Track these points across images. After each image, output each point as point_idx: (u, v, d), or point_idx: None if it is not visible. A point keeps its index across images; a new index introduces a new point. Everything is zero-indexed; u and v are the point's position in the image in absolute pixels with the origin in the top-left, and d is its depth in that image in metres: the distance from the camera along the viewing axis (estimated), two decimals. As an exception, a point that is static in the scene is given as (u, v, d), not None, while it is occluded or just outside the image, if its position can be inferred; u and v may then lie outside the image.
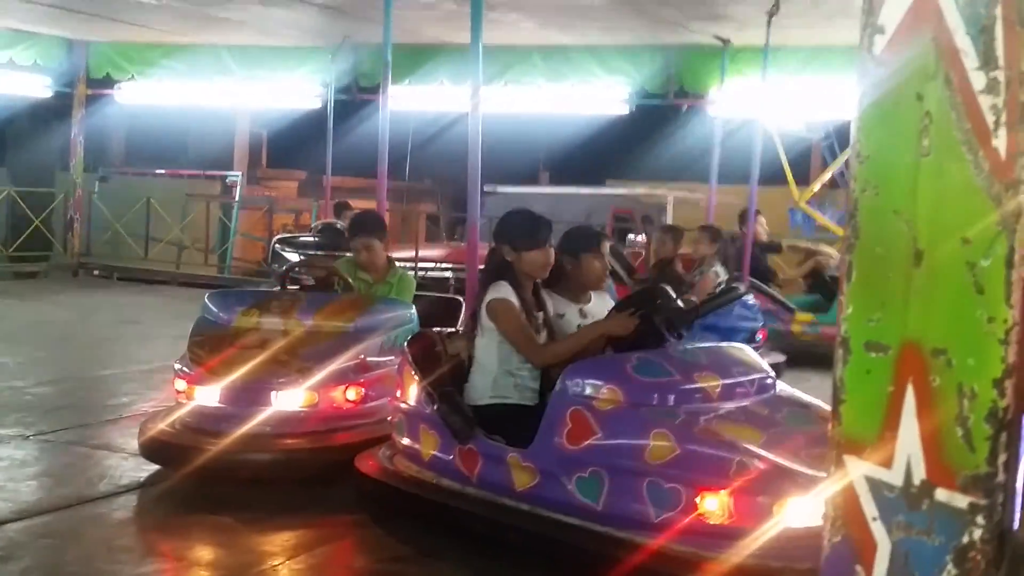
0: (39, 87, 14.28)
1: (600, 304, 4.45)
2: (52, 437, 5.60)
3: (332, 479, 4.70)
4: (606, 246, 4.46)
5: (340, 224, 10.42)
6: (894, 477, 1.40)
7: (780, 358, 7.88)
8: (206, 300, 5.57)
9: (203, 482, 4.75)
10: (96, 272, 15.11)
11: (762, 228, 10.38)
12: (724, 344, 4.54)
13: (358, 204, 12.34)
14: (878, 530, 1.43)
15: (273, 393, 4.82)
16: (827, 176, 14.69)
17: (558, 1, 9.92)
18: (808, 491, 3.36)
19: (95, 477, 4.93)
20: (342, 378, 4.94)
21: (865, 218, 1.43)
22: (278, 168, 22.73)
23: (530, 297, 4.29)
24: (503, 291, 4.20)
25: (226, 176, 18.07)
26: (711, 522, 3.47)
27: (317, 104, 13.49)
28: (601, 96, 12.59)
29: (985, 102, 1.30)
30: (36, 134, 18.05)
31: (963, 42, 1.32)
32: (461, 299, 6.23)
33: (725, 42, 10.75)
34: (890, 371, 1.40)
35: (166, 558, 3.96)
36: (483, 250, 5.04)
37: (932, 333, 1.36)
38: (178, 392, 5.04)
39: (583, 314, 4.43)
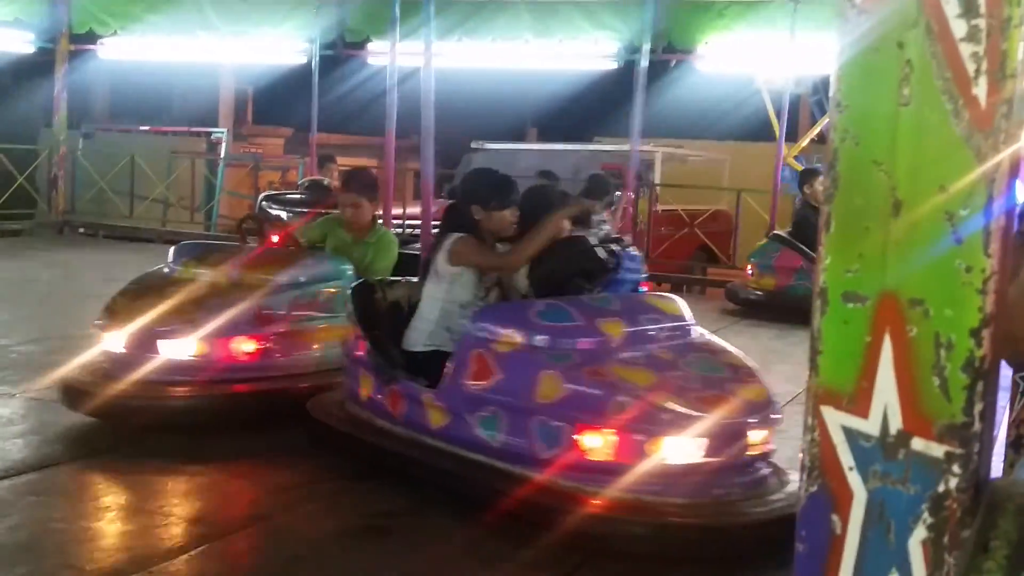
0: (21, 43, 14.11)
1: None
2: (38, 395, 5.59)
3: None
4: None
5: (326, 181, 10.36)
6: (870, 427, 1.41)
7: None
8: (172, 250, 5.72)
9: (185, 435, 4.85)
10: (81, 230, 15.02)
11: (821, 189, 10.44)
12: (653, 293, 4.63)
13: (344, 161, 12.28)
14: (854, 480, 1.43)
15: (161, 342, 4.92)
16: (815, 131, 14.66)
17: (545, -46, 9.83)
18: (685, 431, 3.59)
19: (80, 436, 4.94)
20: (236, 330, 5.00)
21: (845, 168, 1.42)
22: (264, 125, 22.56)
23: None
24: (464, 236, 4.40)
25: (211, 133, 17.93)
26: (592, 458, 3.66)
27: (302, 60, 13.37)
28: (589, 51, 12.51)
29: (966, 50, 1.29)
30: (19, 91, 17.87)
31: (944, -11, 1.31)
32: None
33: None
34: (867, 322, 1.40)
35: (153, 515, 3.97)
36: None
37: (910, 283, 1.36)
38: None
39: None
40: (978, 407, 1.33)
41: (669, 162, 16.36)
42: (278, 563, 3.64)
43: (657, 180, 15.16)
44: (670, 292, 12.19)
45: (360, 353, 4.63)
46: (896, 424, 1.38)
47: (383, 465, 4.38)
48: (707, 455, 3.67)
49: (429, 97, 5.51)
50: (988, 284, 1.31)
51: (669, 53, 12.44)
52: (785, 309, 9.21)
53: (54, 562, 3.51)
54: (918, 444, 1.36)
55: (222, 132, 17.67)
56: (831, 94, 1.46)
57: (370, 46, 13.25)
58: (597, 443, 3.66)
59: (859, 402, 1.41)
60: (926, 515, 1.36)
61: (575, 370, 3.78)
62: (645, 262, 12.58)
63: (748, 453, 3.80)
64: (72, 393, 4.98)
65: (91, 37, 14.27)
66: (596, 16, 12.15)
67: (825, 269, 1.45)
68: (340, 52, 13.41)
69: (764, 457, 3.93)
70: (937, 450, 1.35)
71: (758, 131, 16.51)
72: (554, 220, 4.29)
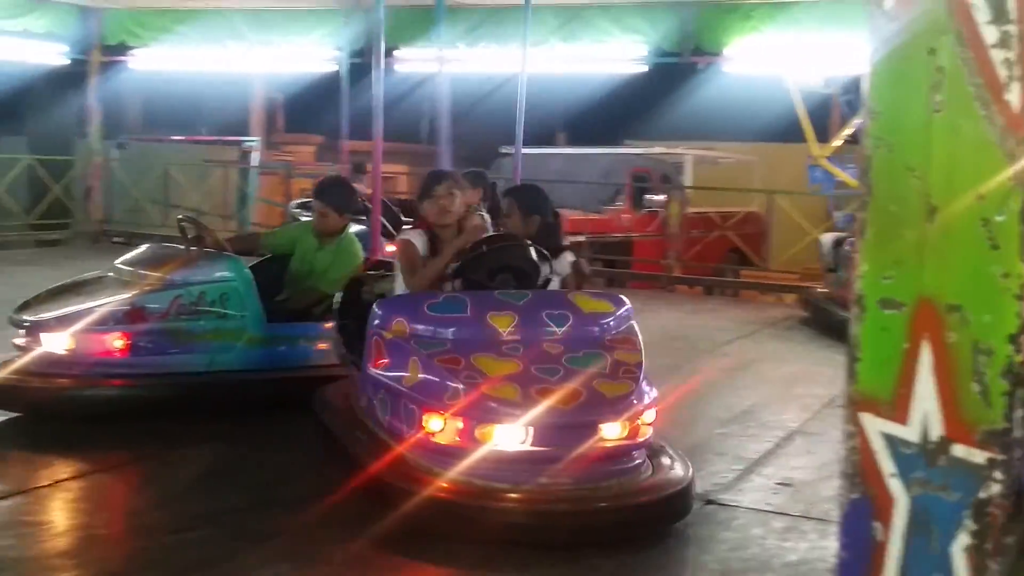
0: (54, 55, 14.27)
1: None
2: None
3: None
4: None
5: (357, 186, 10.40)
6: (911, 434, 1.41)
7: None
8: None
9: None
10: (116, 239, 15.17)
11: None
12: (584, 292, 4.73)
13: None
14: (895, 486, 1.43)
15: (43, 335, 5.17)
16: (847, 131, 14.55)
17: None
18: (514, 420, 3.80)
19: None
20: (105, 326, 5.15)
21: (878, 175, 1.42)
22: (295, 133, 22.68)
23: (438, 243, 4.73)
24: (407, 234, 4.76)
25: (243, 142, 18.05)
26: (436, 440, 3.94)
27: (331, 68, 13.44)
28: (617, 55, 12.48)
29: (997, 56, 1.29)
30: (53, 102, 18.02)
31: (975, -4, 1.31)
32: None
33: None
34: (905, 328, 1.40)
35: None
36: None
37: (947, 290, 1.36)
38: None
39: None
40: (1019, 413, 1.33)
41: (699, 165, 16.31)
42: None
43: (687, 183, 15.12)
44: (703, 295, 12.23)
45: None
46: (936, 431, 1.38)
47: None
48: (535, 444, 3.83)
49: (522, 101, 5.67)
50: (1026, 290, 1.31)
51: (697, 55, 12.39)
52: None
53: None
54: (959, 451, 1.36)
55: (254, 141, 17.79)
56: (864, 101, 1.46)
57: (397, 53, 13.30)
58: (438, 426, 3.92)
59: (898, 409, 1.41)
60: (968, 521, 1.36)
61: (429, 358, 4.05)
62: (678, 265, 12.62)
63: (597, 445, 3.88)
64: None
65: (123, 49, 14.42)
66: (623, 20, 12.12)
67: (861, 276, 1.45)
68: (369, 59, 13.46)
69: (626, 450, 4.01)
70: (978, 456, 1.34)
71: (788, 132, 16.40)
72: (446, 253, 4.61)
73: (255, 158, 17.04)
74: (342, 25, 12.55)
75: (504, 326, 4.19)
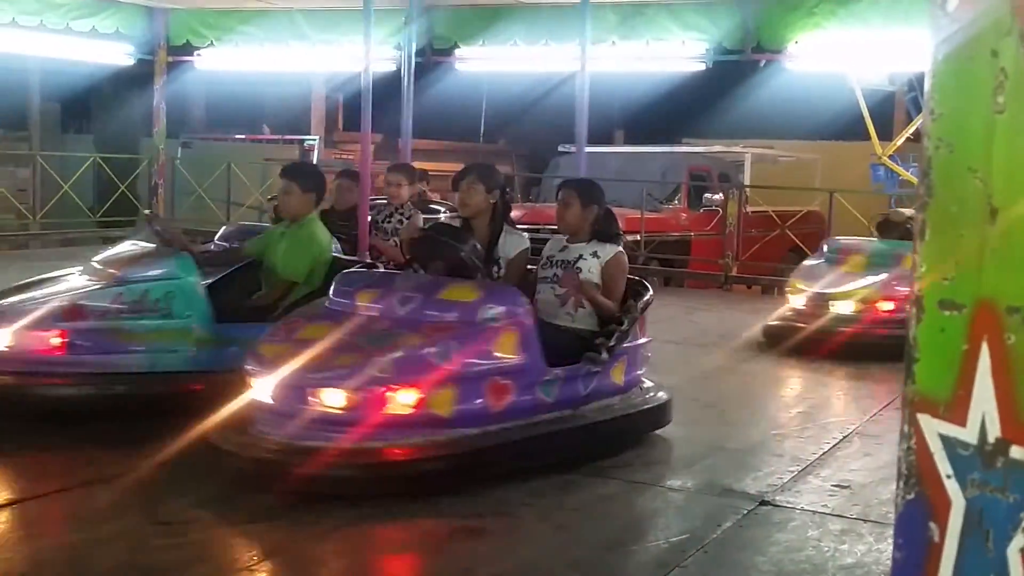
0: (121, 55, 14.56)
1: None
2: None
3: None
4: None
5: (422, 189, 10.58)
6: (968, 435, 1.40)
7: None
8: None
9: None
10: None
11: None
12: (458, 281, 4.80)
13: (433, 167, 12.39)
14: (952, 488, 1.43)
15: None
16: (911, 129, 14.33)
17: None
18: (261, 377, 4.32)
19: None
20: (42, 323, 5.01)
21: (939, 176, 1.42)
22: (354, 132, 22.88)
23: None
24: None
25: (303, 140, 18.27)
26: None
27: (391, 67, 13.55)
28: (677, 53, 12.43)
29: (1062, 57, 1.28)
30: (120, 102, 18.39)
31: (1040, -4, 1.30)
32: None
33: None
34: (964, 330, 1.40)
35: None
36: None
37: (1007, 291, 1.35)
38: None
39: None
40: (1078, 415, 1.32)
41: (759, 163, 16.17)
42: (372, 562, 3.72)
43: (746, 181, 15.00)
44: (761, 295, 12.13)
45: None
46: (994, 432, 1.37)
47: None
48: (274, 399, 4.29)
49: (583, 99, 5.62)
50: (1088, 292, 1.30)
51: (759, 53, 12.30)
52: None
53: None
54: (1017, 452, 1.35)
55: (314, 139, 18.00)
56: (924, 101, 1.46)
57: (458, 52, 13.39)
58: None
59: (956, 410, 1.41)
60: (1025, 524, 1.35)
61: (295, 321, 4.73)
62: (735, 264, 12.53)
63: (315, 408, 4.22)
64: None
65: (188, 49, 14.68)
66: (684, 17, 12.07)
67: (920, 277, 1.45)
68: (428, 59, 13.56)
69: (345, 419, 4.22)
70: (1036, 458, 1.34)
71: (850, 130, 16.20)
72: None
73: (315, 156, 17.23)
74: (402, 24, 12.62)
75: (363, 301, 4.63)
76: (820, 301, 8.07)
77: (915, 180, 13.30)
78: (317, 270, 5.55)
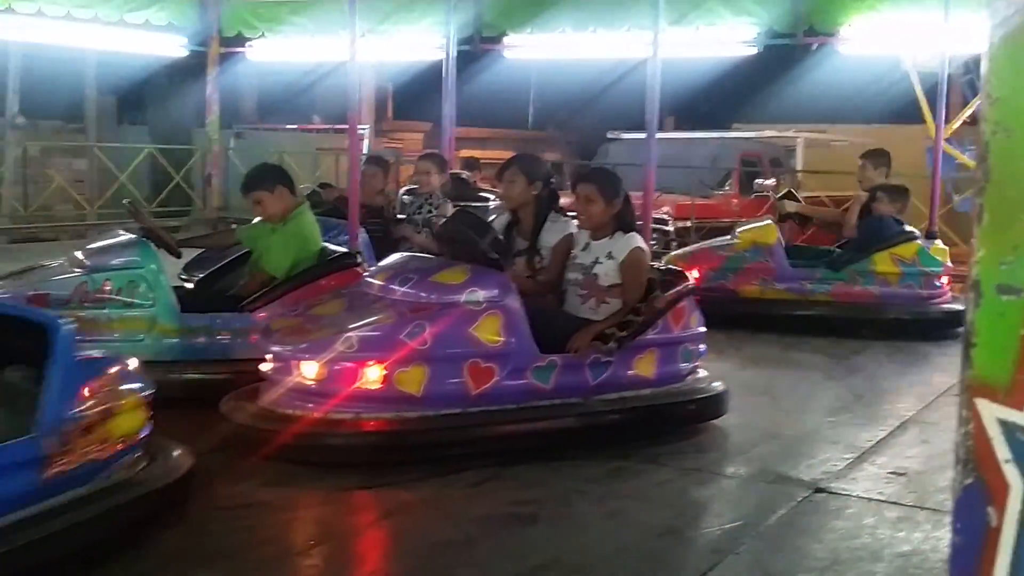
0: (174, 47, 14.75)
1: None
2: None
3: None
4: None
5: (466, 174, 10.60)
6: (1027, 420, 1.39)
7: None
8: None
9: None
10: (234, 225, 15.59)
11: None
12: (455, 264, 4.87)
13: (484, 154, 12.40)
14: (1011, 472, 1.42)
15: None
16: (967, 113, 14.08)
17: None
18: (267, 349, 4.70)
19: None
20: None
21: (996, 160, 1.41)
22: (404, 120, 22.98)
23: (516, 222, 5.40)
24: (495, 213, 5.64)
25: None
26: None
27: (440, 56, 13.60)
28: (728, 38, 12.32)
29: (1124, 39, 1.27)
30: (173, 93, 18.63)
31: (1102, -24, 1.28)
32: None
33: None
34: (1023, 314, 1.39)
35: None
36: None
37: (1067, 275, 1.34)
38: None
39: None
40: None
41: (812, 148, 16.01)
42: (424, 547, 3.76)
43: (799, 167, 14.86)
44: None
45: None
46: (1053, 417, 1.37)
47: None
48: (274, 367, 4.64)
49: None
50: None
51: (811, 36, 12.15)
52: None
53: None
54: (1076, 437, 1.35)
55: (364, 128, 18.12)
56: (980, 85, 1.45)
57: (506, 40, 13.39)
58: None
59: (1016, 395, 1.40)
60: (1085, 509, 1.34)
61: (308, 303, 5.00)
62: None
63: (298, 378, 4.51)
64: None
65: (240, 40, 14.84)
66: (735, 2, 11.96)
67: (978, 261, 1.44)
68: (476, 47, 13.58)
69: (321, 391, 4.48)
70: (1096, 443, 1.33)
71: (905, 113, 15.96)
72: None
73: (365, 145, 17.34)
74: (451, 12, 12.65)
75: (379, 280, 4.88)
76: None
77: (971, 163, 13.17)
78: (301, 263, 5.60)
